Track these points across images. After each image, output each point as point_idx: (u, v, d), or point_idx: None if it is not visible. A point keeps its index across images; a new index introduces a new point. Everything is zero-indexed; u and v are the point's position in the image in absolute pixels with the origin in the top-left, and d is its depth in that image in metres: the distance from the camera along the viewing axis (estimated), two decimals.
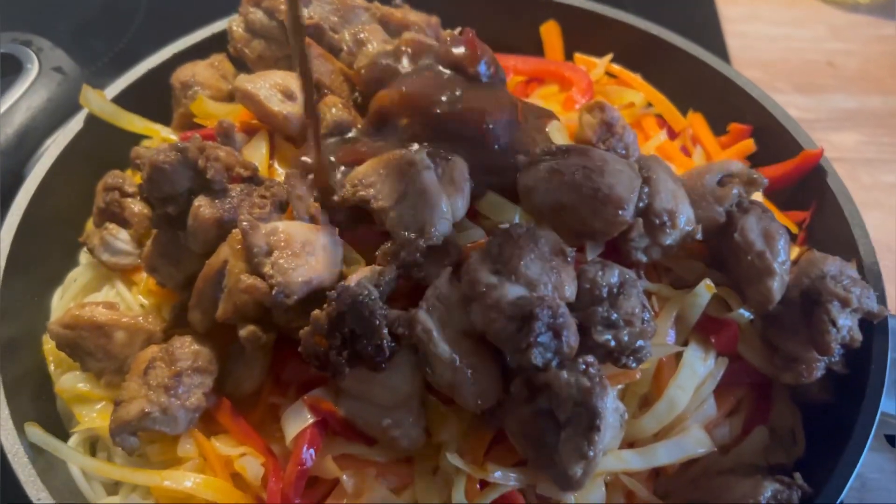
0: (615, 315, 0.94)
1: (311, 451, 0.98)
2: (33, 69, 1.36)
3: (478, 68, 1.22)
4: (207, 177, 1.06)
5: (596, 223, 1.02)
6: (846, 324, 1.03)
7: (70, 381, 1.12)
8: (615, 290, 0.97)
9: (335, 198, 1.07)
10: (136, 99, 1.36)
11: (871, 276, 1.13)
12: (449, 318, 0.96)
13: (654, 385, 1.04)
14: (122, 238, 1.20)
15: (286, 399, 1.03)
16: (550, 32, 1.52)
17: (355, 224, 1.10)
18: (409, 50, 1.22)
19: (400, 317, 0.95)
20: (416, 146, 1.11)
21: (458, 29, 1.33)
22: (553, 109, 1.29)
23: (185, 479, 1.02)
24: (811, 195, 1.28)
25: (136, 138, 1.32)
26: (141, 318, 1.11)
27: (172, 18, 1.51)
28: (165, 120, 1.36)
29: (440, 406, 1.00)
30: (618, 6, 1.51)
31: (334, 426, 1.00)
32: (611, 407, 0.92)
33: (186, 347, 1.05)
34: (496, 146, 1.15)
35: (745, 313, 1.07)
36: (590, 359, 0.90)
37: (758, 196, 1.21)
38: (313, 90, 1.02)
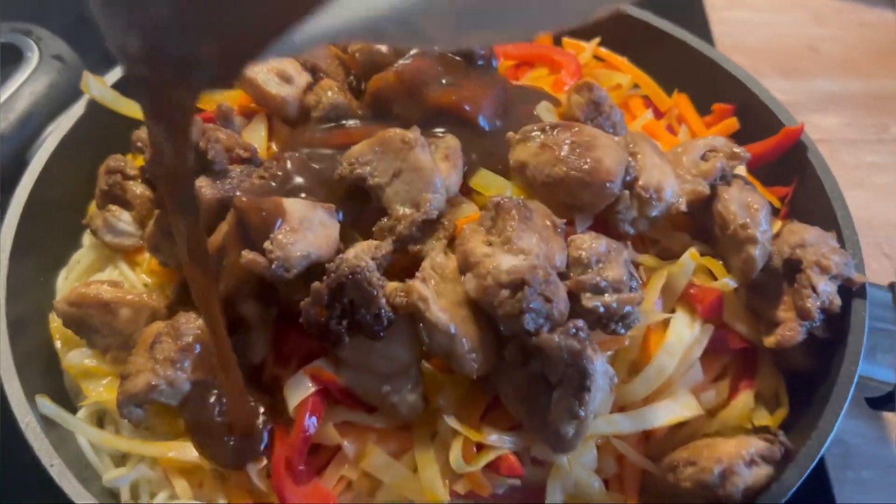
0: (604, 282, 0.98)
1: (314, 418, 1.02)
2: (34, 58, 1.39)
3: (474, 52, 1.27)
4: (208, 158, 1.10)
5: (585, 195, 1.06)
6: (826, 289, 1.07)
7: (77, 357, 1.15)
8: (603, 258, 1.01)
9: (335, 175, 1.10)
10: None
11: (850, 245, 1.17)
12: (444, 289, 1.00)
13: (643, 352, 1.08)
14: (124, 219, 1.23)
15: (288, 371, 1.07)
16: None
17: (353, 202, 1.14)
18: None
19: (397, 287, 0.99)
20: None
21: None
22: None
23: (192, 451, 1.05)
24: (793, 170, 1.32)
25: (137, 123, 1.34)
26: (145, 296, 1.14)
27: None
28: None
29: (437, 373, 1.03)
30: None
31: (335, 395, 1.03)
32: (601, 370, 0.96)
33: (192, 322, 1.08)
34: (488, 127, 1.19)
35: (729, 282, 1.11)
36: (580, 323, 0.94)
37: (742, 171, 1.25)
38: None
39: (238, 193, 1.08)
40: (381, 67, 1.22)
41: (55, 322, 1.20)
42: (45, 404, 1.08)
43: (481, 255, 0.98)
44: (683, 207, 1.09)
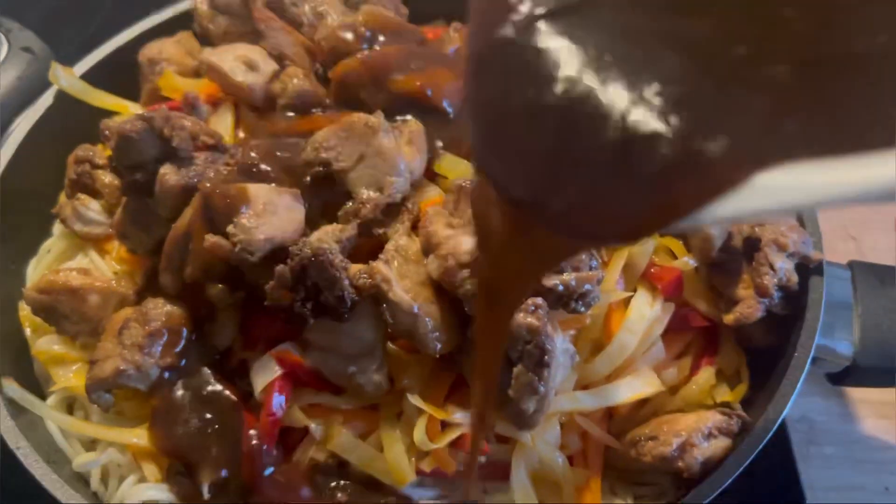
0: None
1: (281, 400, 1.03)
2: (2, 49, 1.39)
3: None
4: (173, 145, 1.10)
5: None
6: (783, 267, 1.09)
7: (46, 344, 1.16)
8: None
9: (301, 160, 1.11)
10: (105, 77, 1.39)
11: (809, 223, 1.19)
12: (407, 270, 1.01)
13: (605, 330, 1.10)
14: (93, 208, 1.24)
15: (256, 354, 1.08)
16: None
17: (320, 189, 1.15)
18: (367, 22, 1.27)
19: (361, 269, 1.00)
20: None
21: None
22: None
23: None
24: None
25: (106, 114, 1.35)
26: (114, 282, 1.15)
27: (143, 4, 1.54)
28: (134, 97, 1.39)
29: (402, 353, 1.05)
30: None
31: (302, 377, 1.05)
32: (561, 347, 0.98)
33: (159, 308, 1.09)
34: (452, 114, 1.20)
35: (689, 261, 1.13)
36: (538, 300, 0.96)
37: None
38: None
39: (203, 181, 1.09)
40: (347, 54, 1.23)
41: (24, 310, 1.20)
42: (12, 388, 1.09)
43: (443, 237, 0.99)
44: None
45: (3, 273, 1.25)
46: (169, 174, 1.09)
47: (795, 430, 1.36)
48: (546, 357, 0.93)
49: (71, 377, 1.14)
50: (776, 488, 1.28)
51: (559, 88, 0.48)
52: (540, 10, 0.51)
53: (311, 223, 1.10)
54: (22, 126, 1.31)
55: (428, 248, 1.01)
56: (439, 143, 1.17)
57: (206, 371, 1.08)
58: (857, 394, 1.42)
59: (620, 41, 0.49)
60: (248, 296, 1.08)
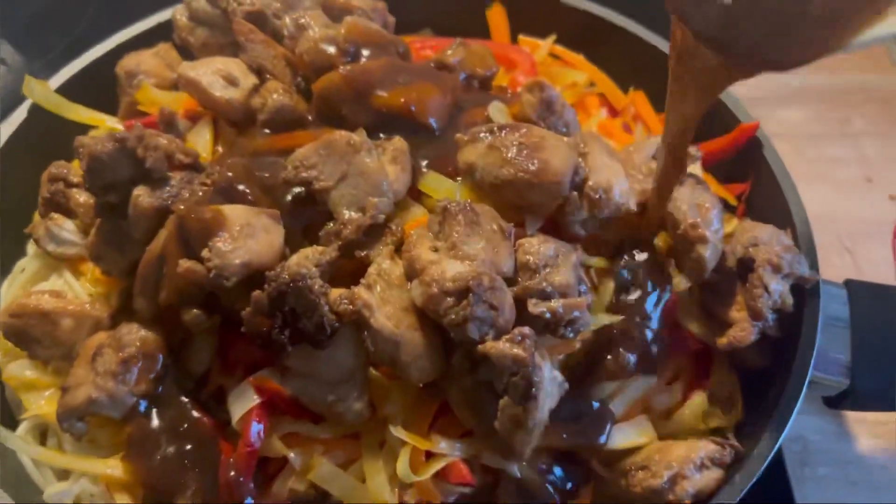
0: (550, 288, 0.97)
1: (259, 429, 1.00)
2: None
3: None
4: (146, 166, 1.07)
5: (533, 196, 1.04)
6: (778, 288, 1.06)
7: (17, 369, 1.12)
8: (551, 263, 0.99)
9: (280, 179, 1.07)
10: (82, 89, 1.36)
11: (804, 242, 1.16)
12: (390, 295, 0.98)
13: None
14: (67, 228, 1.20)
15: (234, 380, 1.04)
16: (496, 16, 1.54)
17: (301, 209, 1.11)
18: (350, 35, 1.23)
19: (342, 294, 0.97)
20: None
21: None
22: (498, 91, 1.31)
23: None
24: (750, 168, 1.31)
25: (82, 128, 1.32)
26: (88, 305, 1.11)
27: (126, 11, 1.50)
28: (112, 110, 1.36)
29: (384, 380, 1.01)
30: None
31: (281, 405, 1.01)
32: (548, 376, 0.94)
33: (134, 333, 1.05)
34: (438, 130, 1.17)
35: (681, 281, 1.10)
36: (525, 330, 0.92)
37: (696, 170, 1.24)
38: None
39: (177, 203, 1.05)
40: (329, 68, 1.19)
41: None
42: None
43: (427, 262, 0.96)
44: (633, 207, 1.08)
45: None
46: (142, 196, 1.05)
47: (789, 449, 1.34)
48: (533, 389, 0.90)
49: (43, 404, 1.10)
50: None
51: None
52: None
53: (292, 243, 1.06)
54: None
55: (411, 273, 0.97)
56: (424, 162, 1.13)
57: (183, 399, 1.05)
58: (853, 413, 1.39)
59: None
60: (225, 319, 1.04)
